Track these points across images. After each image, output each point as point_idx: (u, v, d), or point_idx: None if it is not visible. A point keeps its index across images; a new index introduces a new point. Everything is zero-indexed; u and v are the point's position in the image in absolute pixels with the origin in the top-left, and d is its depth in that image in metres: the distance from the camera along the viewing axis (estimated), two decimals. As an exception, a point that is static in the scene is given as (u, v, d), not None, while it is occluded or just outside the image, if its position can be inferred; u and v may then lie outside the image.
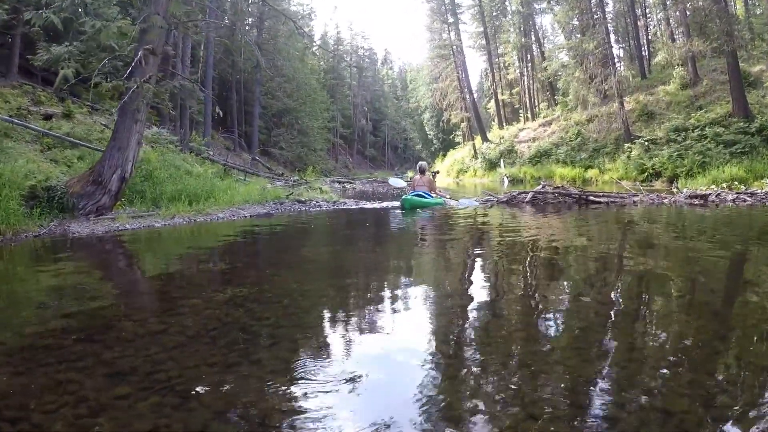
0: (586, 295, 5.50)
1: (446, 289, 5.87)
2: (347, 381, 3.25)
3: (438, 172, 19.91)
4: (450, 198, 18.42)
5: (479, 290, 5.87)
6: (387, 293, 5.57)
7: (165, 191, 15.29)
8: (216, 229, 12.36)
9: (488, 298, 5.46)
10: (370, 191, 30.32)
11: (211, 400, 3.03)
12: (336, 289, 5.76)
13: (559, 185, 18.06)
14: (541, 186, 17.27)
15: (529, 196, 16.09)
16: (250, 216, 14.43)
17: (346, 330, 4.38)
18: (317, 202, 17.47)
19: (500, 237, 10.24)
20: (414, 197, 15.97)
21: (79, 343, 4.09)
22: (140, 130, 14.53)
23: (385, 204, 17.58)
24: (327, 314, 4.89)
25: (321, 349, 3.90)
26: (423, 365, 3.57)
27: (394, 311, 4.86)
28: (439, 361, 3.66)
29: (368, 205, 17.75)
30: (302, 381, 3.29)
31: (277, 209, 15.92)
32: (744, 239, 9.32)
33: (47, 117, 19.83)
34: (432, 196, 16.57)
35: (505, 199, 16.43)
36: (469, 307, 5.05)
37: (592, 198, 15.61)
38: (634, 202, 15.43)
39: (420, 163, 18.18)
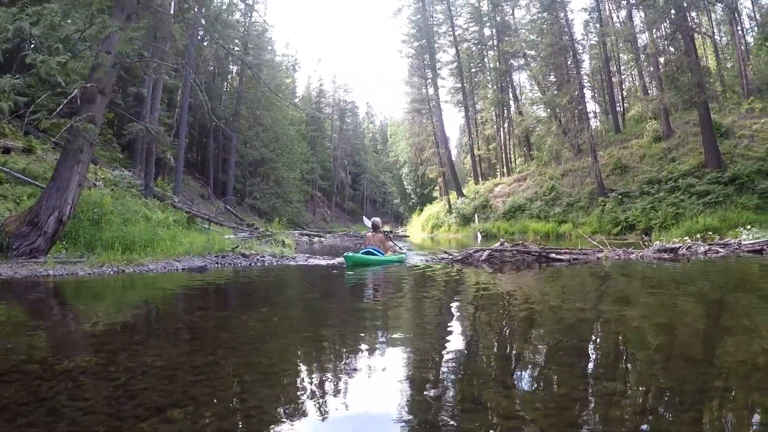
0: (562, 346, 5.35)
1: (328, 390, 4.25)
2: None
3: (391, 231, 18.77)
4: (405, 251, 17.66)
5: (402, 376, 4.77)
6: (248, 384, 4.39)
7: (103, 237, 14.48)
8: (136, 282, 11.42)
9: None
10: (339, 246, 29.39)
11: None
12: (186, 370, 4.61)
13: (519, 242, 17.09)
14: (499, 243, 16.26)
15: (486, 254, 14.95)
16: (183, 269, 13.36)
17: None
18: (262, 256, 16.42)
19: (432, 306, 8.94)
20: (361, 255, 14.99)
21: None
22: (82, 171, 13.98)
23: (336, 260, 16.46)
24: (152, 403, 3.75)
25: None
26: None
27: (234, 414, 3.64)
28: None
29: (318, 261, 16.69)
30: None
31: (216, 263, 14.92)
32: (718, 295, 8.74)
33: (6, 150, 19.50)
34: (383, 254, 15.64)
35: (460, 257, 15.22)
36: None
37: (553, 255, 14.54)
38: (599, 258, 14.50)
39: (373, 219, 17.17)
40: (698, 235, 18.38)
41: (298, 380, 4.47)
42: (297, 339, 6.01)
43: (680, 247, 15.24)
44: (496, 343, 5.73)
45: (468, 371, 4.68)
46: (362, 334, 6.33)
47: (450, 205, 52.41)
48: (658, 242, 17.27)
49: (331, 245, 31.07)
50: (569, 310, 7.55)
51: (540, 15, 45.54)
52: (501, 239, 18.03)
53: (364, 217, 18.09)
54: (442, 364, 4.91)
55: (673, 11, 27.52)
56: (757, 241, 15.71)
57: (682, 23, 27.47)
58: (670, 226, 23.51)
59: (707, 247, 15.10)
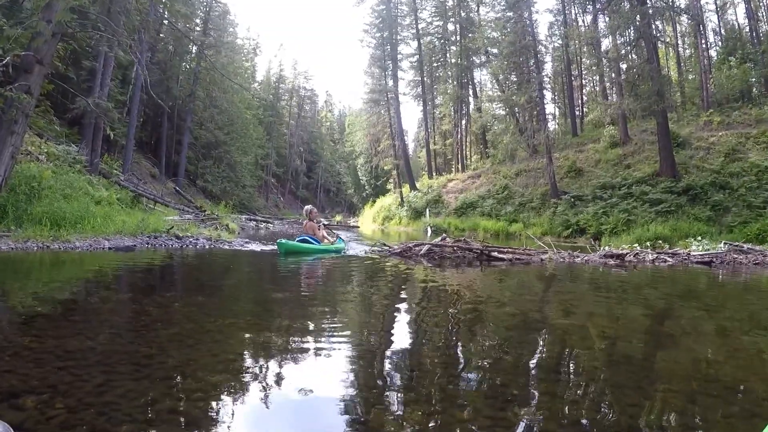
0: (503, 350, 5.10)
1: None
2: None
3: (321, 222, 18.14)
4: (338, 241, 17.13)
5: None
6: (113, 375, 3.80)
7: (33, 212, 14.04)
8: (56, 260, 11.08)
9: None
10: (286, 232, 28.85)
11: None
12: (57, 355, 4.24)
13: (460, 239, 16.65)
14: (440, 238, 15.87)
15: (425, 248, 14.63)
16: (110, 248, 13.14)
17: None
18: (196, 239, 16.24)
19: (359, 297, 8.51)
20: (294, 242, 14.73)
21: None
22: (15, 142, 13.54)
23: (271, 247, 16.03)
24: (9, 387, 3.48)
25: None
26: None
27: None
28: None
29: (254, 246, 16.52)
30: None
31: (147, 244, 14.67)
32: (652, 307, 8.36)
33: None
34: (318, 243, 15.10)
35: (399, 250, 14.98)
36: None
37: (495, 254, 14.25)
38: (542, 260, 14.15)
39: (306, 207, 16.66)
40: (648, 243, 18.16)
41: (168, 376, 3.90)
42: (189, 329, 5.38)
43: (627, 253, 15.02)
44: (411, 347, 5.16)
45: (377, 379, 4.12)
46: (264, 328, 5.71)
47: (402, 198, 52.32)
48: (607, 247, 16.99)
49: (278, 232, 30.78)
50: (508, 312, 7.19)
51: (504, 13, 45.44)
52: (443, 234, 17.61)
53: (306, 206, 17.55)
54: (341, 368, 4.32)
55: (638, 18, 27.27)
56: (707, 252, 15.50)
57: (646, 30, 27.37)
58: (621, 232, 23.43)
59: (655, 256, 14.83)
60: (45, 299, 6.91)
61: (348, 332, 5.57)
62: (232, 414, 3.28)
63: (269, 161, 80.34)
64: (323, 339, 5.15)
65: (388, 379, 4.08)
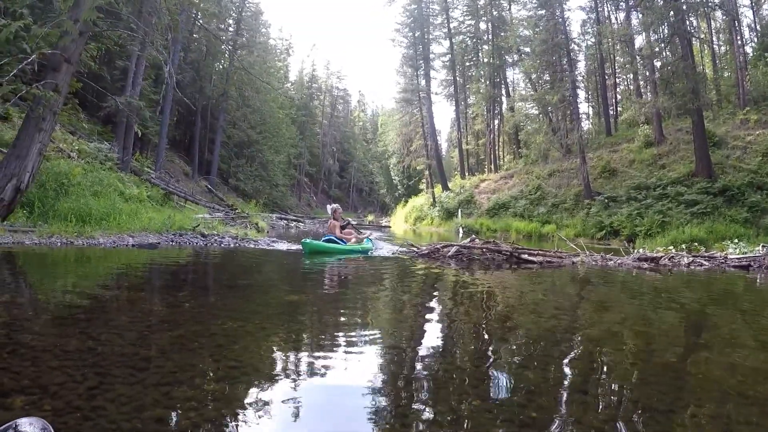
0: (526, 365, 4.79)
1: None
2: None
3: (349, 222, 17.91)
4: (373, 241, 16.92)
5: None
6: (108, 378, 3.69)
7: (60, 208, 14.38)
8: (77, 256, 11.23)
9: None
10: (316, 231, 28.80)
11: None
12: (55, 354, 4.17)
13: (490, 240, 16.38)
14: (469, 239, 15.60)
15: (453, 250, 14.34)
16: (134, 245, 13.25)
17: None
18: (222, 237, 16.22)
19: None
20: (320, 242, 14.65)
21: None
22: (43, 139, 13.78)
23: (296, 246, 15.94)
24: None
25: None
26: None
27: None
28: None
29: (280, 245, 16.57)
30: None
31: (171, 241, 14.80)
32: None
33: (-21, 118, 19.30)
34: (344, 243, 14.93)
35: (426, 251, 14.70)
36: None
37: (525, 256, 13.91)
38: (574, 263, 13.81)
39: (332, 206, 16.48)
40: (683, 246, 17.58)
41: (162, 382, 3.70)
42: (194, 331, 5.19)
43: (662, 256, 14.59)
44: (424, 360, 4.81)
45: (382, 397, 3.82)
46: (272, 333, 5.49)
47: (434, 199, 52.04)
48: (641, 250, 16.61)
49: (308, 231, 30.98)
50: (534, 320, 6.86)
51: (536, 11, 45.34)
52: (472, 235, 17.34)
53: (328, 205, 17.49)
54: (346, 383, 4.09)
55: (672, 14, 26.76)
56: (745, 256, 14.91)
57: (680, 27, 26.82)
58: (656, 234, 22.94)
59: (691, 259, 14.35)
60: (55, 296, 6.90)
61: (362, 343, 5.24)
62: (223, 427, 3.10)
63: (302, 160, 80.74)
64: (333, 349, 4.91)
65: (395, 397, 3.82)
